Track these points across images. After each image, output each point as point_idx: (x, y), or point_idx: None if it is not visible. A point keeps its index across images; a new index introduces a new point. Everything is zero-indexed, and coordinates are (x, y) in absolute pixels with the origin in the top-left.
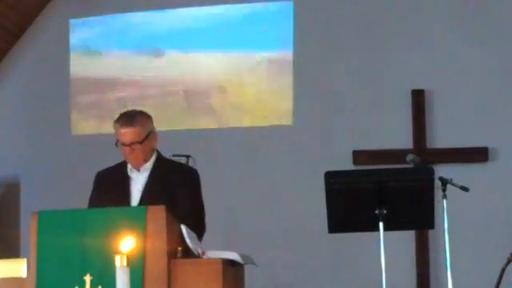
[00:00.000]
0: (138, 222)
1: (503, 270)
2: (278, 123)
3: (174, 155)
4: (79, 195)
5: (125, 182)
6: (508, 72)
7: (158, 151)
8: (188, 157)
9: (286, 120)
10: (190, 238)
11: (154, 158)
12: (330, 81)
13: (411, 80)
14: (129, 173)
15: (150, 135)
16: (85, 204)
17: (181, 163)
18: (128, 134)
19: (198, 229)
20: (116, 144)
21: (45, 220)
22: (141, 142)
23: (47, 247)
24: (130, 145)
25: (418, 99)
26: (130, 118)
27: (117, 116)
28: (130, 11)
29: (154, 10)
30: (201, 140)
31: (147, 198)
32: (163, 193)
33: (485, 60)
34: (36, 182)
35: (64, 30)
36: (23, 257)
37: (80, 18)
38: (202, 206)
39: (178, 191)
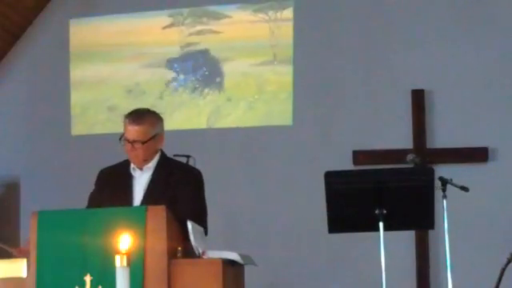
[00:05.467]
0: (138, 221)
1: (503, 270)
2: (278, 123)
3: (174, 155)
4: (79, 195)
5: (127, 181)
6: (508, 72)
7: (161, 151)
8: (188, 157)
9: (286, 120)
10: (194, 234)
11: (157, 157)
12: (329, 81)
13: (411, 80)
14: (131, 171)
15: (156, 137)
16: (85, 204)
17: (184, 163)
18: (134, 131)
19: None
20: (120, 139)
21: (45, 220)
22: (143, 142)
23: (47, 247)
24: (132, 142)
25: (418, 99)
26: (139, 115)
27: (129, 111)
28: (130, 11)
29: (153, 10)
30: (201, 140)
31: (150, 197)
32: (166, 192)
33: (484, 60)
34: (36, 182)
35: (64, 30)
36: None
37: (80, 17)
38: (205, 207)
39: (181, 191)
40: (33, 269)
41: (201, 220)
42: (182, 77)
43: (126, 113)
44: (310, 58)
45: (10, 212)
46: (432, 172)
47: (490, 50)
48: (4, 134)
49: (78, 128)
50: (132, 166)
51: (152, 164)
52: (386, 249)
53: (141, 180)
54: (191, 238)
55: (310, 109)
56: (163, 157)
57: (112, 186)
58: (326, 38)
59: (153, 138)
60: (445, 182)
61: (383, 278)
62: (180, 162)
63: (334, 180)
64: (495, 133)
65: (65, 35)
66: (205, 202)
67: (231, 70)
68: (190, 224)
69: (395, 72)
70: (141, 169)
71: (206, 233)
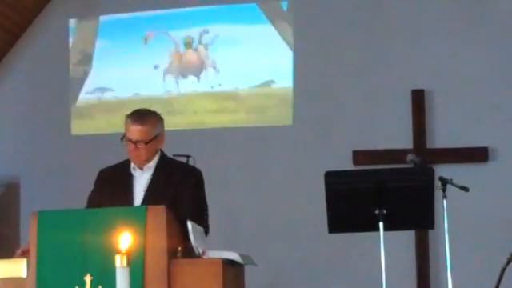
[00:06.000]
0: (138, 221)
1: (503, 270)
2: (278, 123)
3: (174, 155)
4: (79, 195)
5: (128, 181)
6: (508, 72)
7: (161, 150)
8: (188, 157)
9: (286, 120)
10: (194, 234)
11: (157, 157)
12: (329, 81)
13: (411, 80)
14: (132, 171)
15: (158, 137)
16: (85, 204)
17: (184, 163)
18: (136, 131)
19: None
20: (122, 139)
21: (45, 220)
22: (146, 143)
23: (47, 247)
24: (135, 142)
25: (418, 99)
26: (141, 115)
27: (129, 112)
28: (130, 11)
29: (153, 9)
30: (201, 140)
31: (150, 196)
32: (166, 192)
33: (485, 60)
34: (36, 182)
35: (64, 30)
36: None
37: (80, 18)
38: (206, 206)
39: (182, 191)
40: (33, 269)
41: (202, 219)
42: (180, 76)
43: (127, 113)
44: (310, 58)
45: (10, 212)
46: (432, 172)
47: (490, 50)
48: (4, 134)
49: (78, 128)
50: (132, 165)
51: (152, 163)
52: (386, 249)
53: (141, 180)
54: (191, 238)
55: (310, 109)
56: (163, 156)
57: (112, 186)
58: (326, 38)
59: (155, 138)
60: (445, 182)
61: (383, 278)
62: (180, 162)
63: (334, 180)
64: (495, 133)
65: (65, 35)
66: (206, 202)
67: (229, 69)
68: (190, 224)
69: (395, 72)
70: (141, 168)
71: (207, 232)
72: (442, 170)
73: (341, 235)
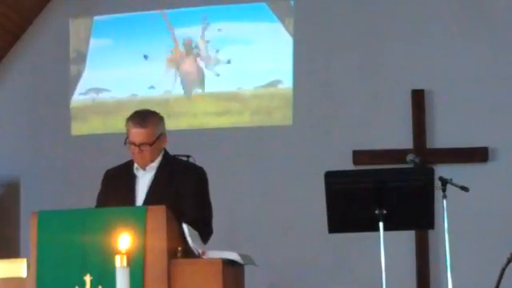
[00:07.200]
0: (138, 221)
1: (503, 270)
2: (278, 123)
3: (174, 155)
4: (79, 195)
5: (131, 181)
6: (508, 72)
7: (164, 149)
8: (188, 157)
9: (286, 120)
10: (191, 236)
11: (160, 156)
12: (329, 81)
13: (411, 80)
14: (135, 171)
15: (161, 137)
16: (85, 204)
17: (187, 161)
18: (139, 134)
19: (205, 229)
20: (125, 142)
21: (45, 220)
22: (151, 144)
23: (47, 247)
24: (139, 145)
25: (418, 99)
26: (142, 118)
27: (130, 114)
28: (130, 11)
29: (153, 10)
30: (201, 140)
31: (153, 196)
32: (169, 191)
33: (485, 60)
34: (36, 182)
35: (64, 30)
36: (23, 257)
37: (80, 17)
38: (209, 205)
39: (183, 189)
40: (33, 269)
41: (206, 218)
42: (182, 77)
43: (126, 116)
44: (310, 58)
45: (10, 212)
46: (432, 172)
47: (490, 49)
48: (4, 134)
49: (78, 128)
50: (135, 165)
51: (155, 163)
52: (385, 249)
53: (144, 179)
54: (188, 240)
55: (310, 109)
56: (166, 156)
57: (116, 187)
58: (326, 38)
59: (158, 138)
60: (445, 182)
61: (383, 278)
62: (183, 161)
63: (333, 180)
64: (495, 133)
65: (65, 35)
66: (209, 200)
67: (230, 68)
68: (185, 227)
69: (395, 72)
70: (144, 169)
71: (210, 230)
72: (441, 170)
73: (341, 235)
